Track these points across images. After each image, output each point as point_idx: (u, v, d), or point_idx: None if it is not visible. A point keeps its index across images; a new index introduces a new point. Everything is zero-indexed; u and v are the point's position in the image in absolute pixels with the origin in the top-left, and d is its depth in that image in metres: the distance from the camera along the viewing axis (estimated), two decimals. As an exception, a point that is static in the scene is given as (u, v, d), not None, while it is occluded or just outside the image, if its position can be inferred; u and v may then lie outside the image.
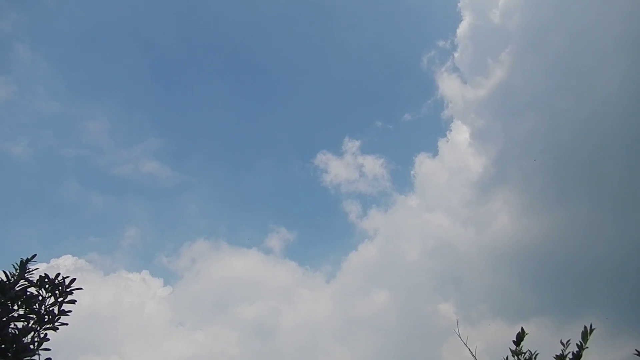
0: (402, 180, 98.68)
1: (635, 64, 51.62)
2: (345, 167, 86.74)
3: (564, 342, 5.91)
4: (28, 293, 5.58)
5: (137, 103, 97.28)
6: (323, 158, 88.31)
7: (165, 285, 76.75)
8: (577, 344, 5.76)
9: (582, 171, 56.98)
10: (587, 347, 5.88)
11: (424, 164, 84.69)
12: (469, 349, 5.85)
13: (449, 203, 76.88)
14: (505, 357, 6.08)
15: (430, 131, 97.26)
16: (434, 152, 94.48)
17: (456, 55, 76.41)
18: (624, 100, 52.01)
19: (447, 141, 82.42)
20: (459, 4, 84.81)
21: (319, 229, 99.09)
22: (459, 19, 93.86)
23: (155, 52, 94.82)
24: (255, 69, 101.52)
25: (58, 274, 5.79)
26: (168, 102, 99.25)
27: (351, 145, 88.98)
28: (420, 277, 69.25)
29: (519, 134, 62.25)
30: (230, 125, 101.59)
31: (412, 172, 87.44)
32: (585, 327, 5.66)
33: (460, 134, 78.04)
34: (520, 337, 5.81)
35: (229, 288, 77.46)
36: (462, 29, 71.80)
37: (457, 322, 5.89)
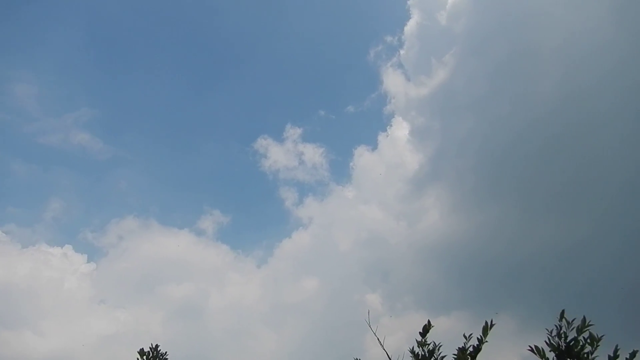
0: (341, 171, 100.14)
1: (569, 74, 55.14)
2: (285, 154, 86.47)
3: (467, 336, 6.22)
4: None
5: (71, 68, 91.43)
6: (263, 143, 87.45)
7: (88, 261, 73.39)
8: (477, 338, 6.08)
9: (514, 175, 60.01)
10: (486, 341, 6.21)
11: (362, 157, 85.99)
12: (378, 339, 6.04)
13: (384, 197, 78.70)
14: (411, 347, 6.33)
15: (372, 125, 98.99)
16: (374, 145, 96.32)
17: (402, 52, 77.62)
18: (559, 109, 55.44)
19: (387, 136, 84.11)
20: (408, 2, 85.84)
21: (254, 214, 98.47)
22: (407, 17, 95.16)
23: (97, 15, 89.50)
24: (202, 46, 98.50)
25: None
26: (105, 71, 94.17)
27: (293, 132, 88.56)
28: (351, 267, 70.67)
29: (457, 135, 64.58)
30: (170, 101, 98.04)
31: (351, 164, 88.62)
32: (485, 322, 5.98)
33: (400, 130, 79.75)
34: (426, 329, 6.05)
35: (156, 268, 75.51)
36: (410, 27, 73.05)
37: (369, 312, 6.04)
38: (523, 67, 59.11)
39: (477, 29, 61.63)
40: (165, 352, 9.34)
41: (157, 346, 9.34)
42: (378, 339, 6.02)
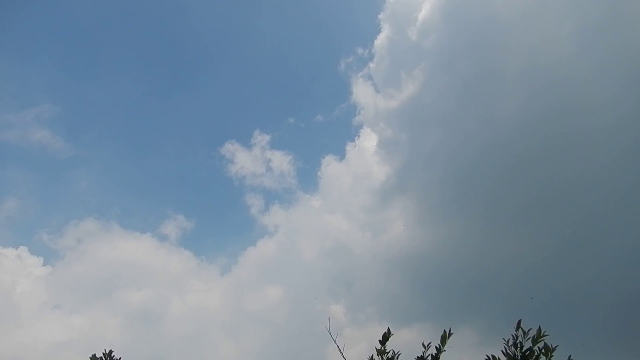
0: (308, 179, 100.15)
1: (532, 97, 57.13)
2: (253, 160, 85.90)
3: (425, 345, 6.24)
4: None
5: (34, 62, 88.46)
6: (231, 148, 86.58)
7: (44, 264, 70.56)
8: (435, 347, 6.10)
9: (479, 190, 61.22)
10: (444, 350, 6.24)
11: (330, 166, 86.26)
12: (338, 346, 5.98)
13: (350, 207, 79.06)
14: (370, 356, 6.29)
15: (340, 134, 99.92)
16: (342, 155, 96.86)
17: (372, 64, 78.66)
18: (522, 129, 57.26)
19: (355, 146, 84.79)
20: (379, 16, 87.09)
21: (219, 220, 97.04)
22: (378, 31, 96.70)
23: (63, 9, 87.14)
24: (171, 47, 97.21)
25: None
26: (70, 67, 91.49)
27: (261, 138, 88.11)
28: (315, 276, 70.39)
29: (423, 148, 65.65)
30: (136, 101, 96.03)
31: (319, 173, 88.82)
32: (444, 331, 6.01)
33: (368, 141, 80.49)
34: (386, 337, 6.03)
35: (116, 272, 73.29)
36: (380, 40, 74.25)
37: (329, 319, 5.99)
38: (489, 87, 60.94)
39: (446, 46, 63.26)
40: (119, 358, 9.00)
41: (110, 352, 8.98)
42: (338, 346, 5.97)
